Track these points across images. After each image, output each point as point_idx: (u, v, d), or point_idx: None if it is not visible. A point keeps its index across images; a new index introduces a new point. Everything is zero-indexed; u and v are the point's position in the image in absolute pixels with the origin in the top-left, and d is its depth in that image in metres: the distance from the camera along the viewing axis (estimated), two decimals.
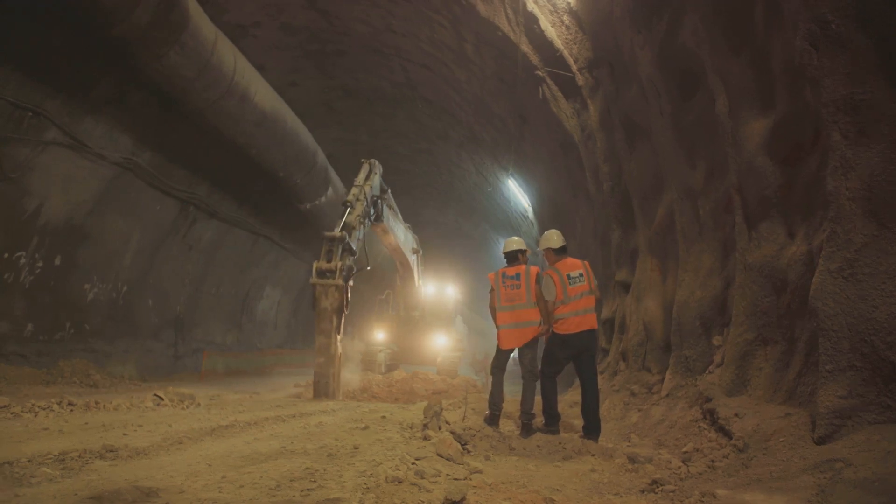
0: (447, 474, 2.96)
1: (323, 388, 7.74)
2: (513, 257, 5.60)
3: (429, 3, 10.94)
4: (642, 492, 3.06)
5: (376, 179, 10.12)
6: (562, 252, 5.49)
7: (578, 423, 5.82)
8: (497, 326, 5.34)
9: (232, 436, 4.44)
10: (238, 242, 17.07)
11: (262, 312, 19.55)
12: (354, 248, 8.44)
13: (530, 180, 13.80)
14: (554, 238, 5.54)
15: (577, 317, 5.13)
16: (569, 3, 7.92)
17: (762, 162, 4.18)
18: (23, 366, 10.61)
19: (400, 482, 2.72)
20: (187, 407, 6.80)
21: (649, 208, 6.94)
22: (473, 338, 31.33)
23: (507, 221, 19.01)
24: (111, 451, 3.49)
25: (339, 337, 7.90)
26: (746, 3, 4.37)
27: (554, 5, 8.31)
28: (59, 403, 5.34)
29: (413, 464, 3.14)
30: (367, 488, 2.55)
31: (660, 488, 3.01)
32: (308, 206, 15.67)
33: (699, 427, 4.30)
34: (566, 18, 8.22)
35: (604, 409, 6.58)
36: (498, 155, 14.73)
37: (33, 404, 5.11)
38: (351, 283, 8.22)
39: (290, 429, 4.83)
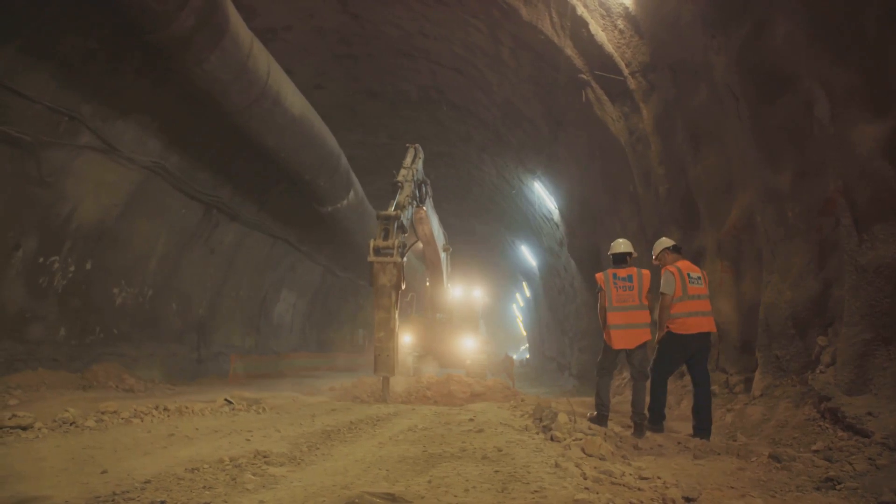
0: (630, 473, 3.00)
1: (384, 362, 8.07)
2: (621, 259, 5.66)
3: (466, 7, 10.97)
4: (817, 489, 3.13)
5: (419, 164, 10.26)
6: (677, 251, 5.58)
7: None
8: (608, 327, 5.38)
9: (351, 440, 4.44)
10: (257, 245, 17.02)
11: (279, 316, 19.47)
12: (406, 225, 8.67)
13: (560, 183, 13.89)
14: (665, 240, 5.65)
15: (695, 318, 5.20)
16: (626, 8, 8.00)
17: (879, 165, 4.28)
18: (58, 370, 10.52)
19: (601, 482, 2.75)
20: (260, 412, 6.77)
21: (718, 211, 7.04)
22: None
23: (527, 223, 19.10)
24: (265, 456, 3.49)
25: (396, 312, 8.22)
26: (853, 9, 4.47)
27: (607, 10, 8.39)
28: (156, 408, 5.33)
29: (583, 463, 3.18)
30: (587, 488, 2.58)
31: (840, 486, 3.08)
32: (329, 209, 15.63)
33: (819, 426, 4.38)
34: (620, 23, 8.31)
35: (682, 408, 6.67)
36: (524, 157, 14.81)
37: (135, 409, 5.08)
38: (405, 259, 8.38)
39: (396, 432, 4.84)
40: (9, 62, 8.47)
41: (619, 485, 2.71)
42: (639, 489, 2.66)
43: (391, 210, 8.39)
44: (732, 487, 3.09)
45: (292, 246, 18.35)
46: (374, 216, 17.39)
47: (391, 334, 8.06)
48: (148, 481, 2.61)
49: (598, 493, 2.51)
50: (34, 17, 8.43)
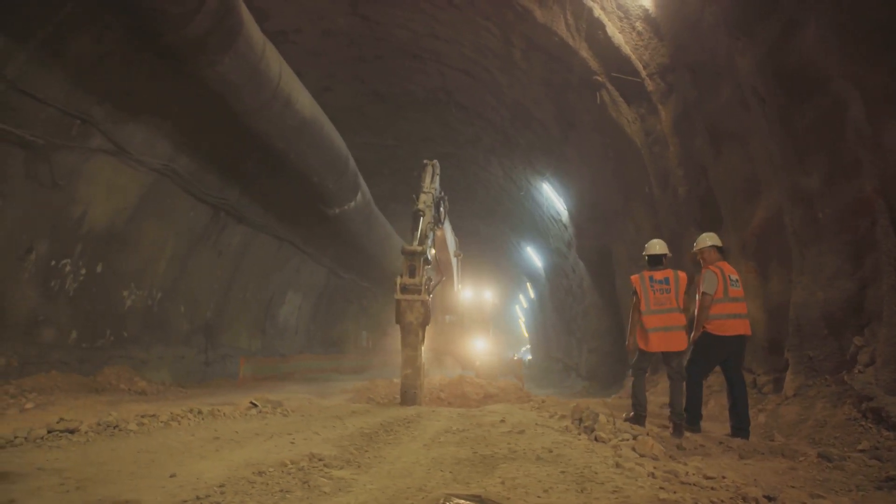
0: (692, 473, 3.00)
1: (411, 398, 8.07)
2: (657, 260, 5.64)
3: (478, 9, 10.98)
4: (879, 489, 3.15)
5: (437, 181, 10.09)
6: (720, 252, 5.59)
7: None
8: (645, 330, 5.37)
9: (394, 442, 4.42)
10: (263, 248, 16.99)
11: (284, 318, 19.43)
12: (430, 258, 8.50)
13: (570, 184, 13.93)
14: (711, 237, 5.65)
15: (733, 320, 5.24)
16: (645, 10, 8.04)
17: None
18: (70, 373, 10.48)
19: (671, 482, 2.76)
20: (285, 414, 6.72)
21: (741, 212, 7.08)
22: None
23: (534, 225, 19.14)
24: (319, 459, 3.47)
25: (423, 348, 8.23)
26: (890, 9, 4.50)
27: (626, 12, 8.43)
28: (190, 412, 5.30)
29: (643, 463, 3.19)
30: (662, 488, 2.58)
31: None
32: (337, 210, 15.63)
33: (862, 426, 4.41)
34: (639, 25, 8.34)
35: (709, 409, 6.69)
36: (532, 159, 14.84)
37: (172, 413, 5.05)
38: (431, 296, 8.30)
39: (433, 434, 4.83)
40: (22, 65, 8.43)
41: (690, 484, 2.72)
42: (712, 488, 2.66)
43: (415, 245, 8.09)
44: (792, 487, 3.11)
45: (298, 248, 18.32)
46: (379, 218, 17.49)
47: (418, 372, 8.15)
48: (222, 485, 2.60)
49: (675, 492, 2.52)
50: (48, 19, 8.39)
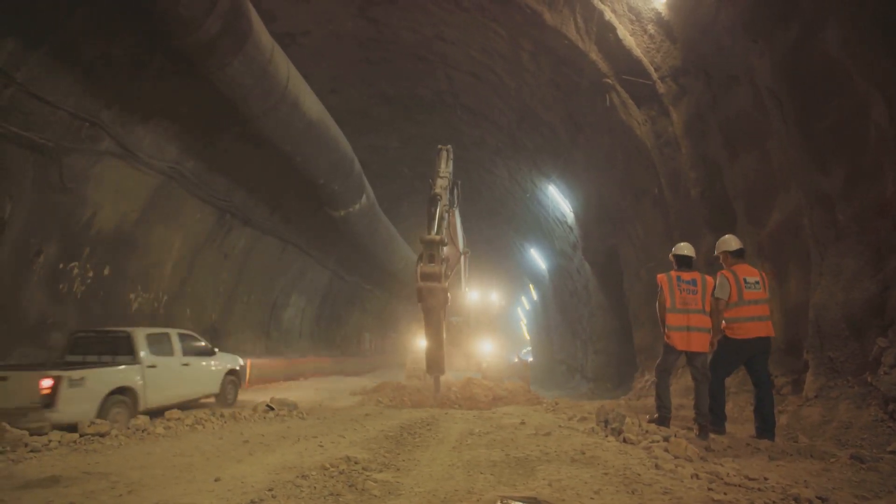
0: (732, 474, 3.00)
1: (436, 366, 9.76)
2: (687, 262, 5.65)
3: (486, 12, 10.99)
4: None
5: (451, 166, 10.13)
6: (738, 256, 5.59)
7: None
8: (669, 328, 5.37)
9: (422, 445, 4.42)
10: (268, 250, 16.96)
11: (288, 320, 19.38)
12: (446, 240, 8.62)
13: (576, 186, 13.94)
14: (732, 242, 5.65)
15: (752, 322, 5.25)
16: (658, 13, 8.06)
17: None
18: None
19: (716, 482, 2.76)
20: (303, 417, 6.72)
21: (758, 213, 7.09)
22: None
23: (538, 226, 19.16)
24: (355, 462, 3.47)
25: (444, 326, 9.42)
26: None
27: (637, 14, 8.45)
28: (212, 415, 5.29)
29: (681, 464, 3.19)
30: (711, 489, 2.59)
31: None
32: (342, 213, 15.60)
33: (889, 427, 4.42)
34: (651, 28, 8.37)
35: (727, 410, 6.68)
36: (539, 161, 14.85)
37: (195, 416, 5.04)
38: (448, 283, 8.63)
39: (458, 436, 4.83)
40: (34, 69, 8.40)
41: (736, 485, 2.72)
42: (759, 489, 2.67)
43: (433, 234, 8.12)
44: (835, 488, 3.11)
45: (302, 250, 18.29)
46: (383, 220, 17.47)
47: (440, 345, 9.40)
48: (271, 489, 2.59)
49: (725, 493, 2.52)
50: (60, 24, 8.37)
